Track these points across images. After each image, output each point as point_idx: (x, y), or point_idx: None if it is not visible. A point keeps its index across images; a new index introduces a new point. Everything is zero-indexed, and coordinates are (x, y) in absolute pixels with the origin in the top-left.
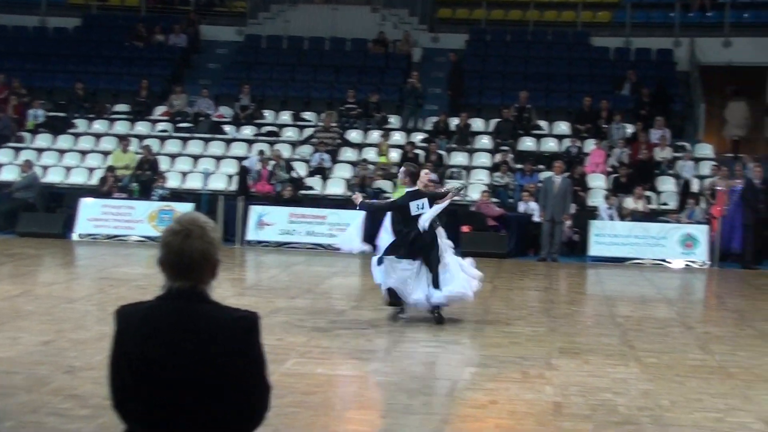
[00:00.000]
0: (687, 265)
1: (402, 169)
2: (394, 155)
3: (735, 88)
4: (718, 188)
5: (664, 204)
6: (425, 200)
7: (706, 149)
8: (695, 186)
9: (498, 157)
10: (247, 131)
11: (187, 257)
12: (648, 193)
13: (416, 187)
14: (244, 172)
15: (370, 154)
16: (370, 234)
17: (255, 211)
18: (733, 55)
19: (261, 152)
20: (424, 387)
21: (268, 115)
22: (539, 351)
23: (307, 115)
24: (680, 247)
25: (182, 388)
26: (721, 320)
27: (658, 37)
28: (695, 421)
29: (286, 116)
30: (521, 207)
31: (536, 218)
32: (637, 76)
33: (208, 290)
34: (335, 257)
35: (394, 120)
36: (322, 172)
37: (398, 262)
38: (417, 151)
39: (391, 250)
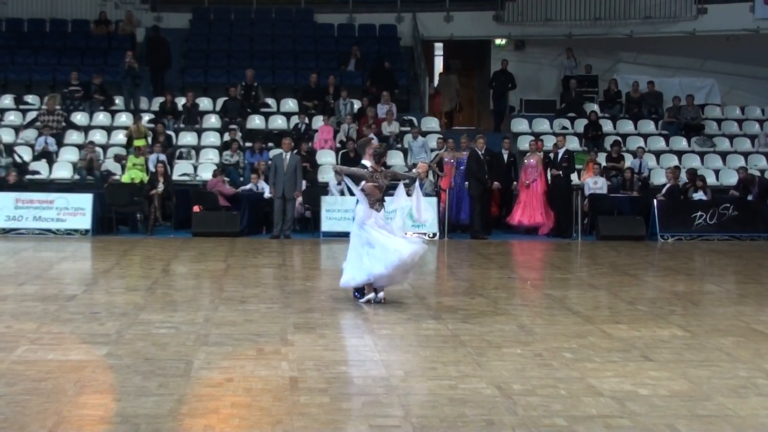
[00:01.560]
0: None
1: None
2: (122, 137)
3: (449, 63)
4: (445, 160)
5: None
6: None
7: (432, 122)
8: None
9: (227, 136)
10: None
11: None
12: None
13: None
14: None
15: (97, 136)
16: None
17: None
18: (454, 30)
19: None
20: (159, 369)
21: None
22: (274, 327)
23: (30, 98)
24: (409, 219)
25: None
26: (452, 290)
27: (380, 13)
28: (430, 389)
29: (7, 100)
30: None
31: (267, 195)
32: (361, 52)
33: None
34: (64, 242)
35: (119, 101)
36: (48, 156)
37: None
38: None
39: None
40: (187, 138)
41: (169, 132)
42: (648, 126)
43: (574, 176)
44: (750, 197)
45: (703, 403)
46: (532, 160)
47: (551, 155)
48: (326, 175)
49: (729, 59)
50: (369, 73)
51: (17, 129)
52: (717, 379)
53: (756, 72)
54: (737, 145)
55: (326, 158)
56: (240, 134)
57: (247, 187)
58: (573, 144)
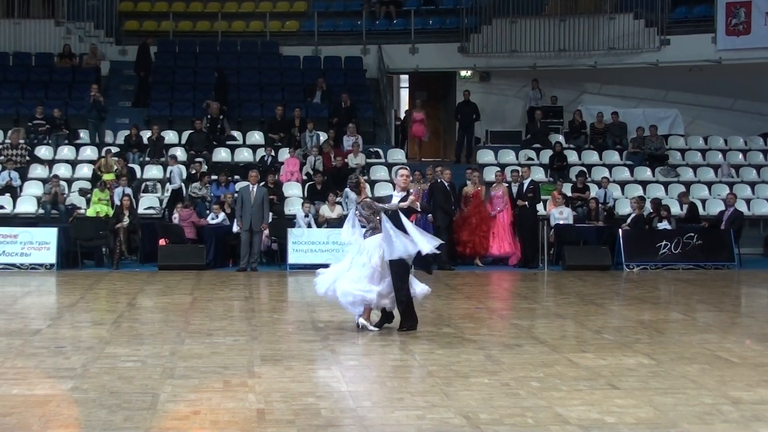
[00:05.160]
0: None
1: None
2: (86, 170)
3: (423, 94)
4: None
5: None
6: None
7: (398, 154)
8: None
9: (194, 169)
10: None
11: None
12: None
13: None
14: None
15: (61, 170)
16: None
17: None
18: (419, 61)
19: None
20: (124, 402)
21: None
22: (241, 360)
23: None
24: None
25: None
26: (419, 320)
27: (346, 45)
28: (397, 419)
29: None
30: (213, 217)
31: (235, 229)
32: (327, 84)
33: None
34: (29, 276)
35: (84, 135)
36: (12, 191)
37: None
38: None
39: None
40: (153, 171)
41: (134, 165)
42: (612, 156)
43: (540, 207)
44: (722, 225)
45: (669, 430)
46: (498, 191)
47: (517, 186)
48: (293, 207)
49: (692, 90)
50: (332, 110)
51: None
52: (683, 407)
53: (718, 102)
54: (700, 175)
55: (293, 190)
56: (206, 167)
57: (219, 219)
58: (538, 174)
